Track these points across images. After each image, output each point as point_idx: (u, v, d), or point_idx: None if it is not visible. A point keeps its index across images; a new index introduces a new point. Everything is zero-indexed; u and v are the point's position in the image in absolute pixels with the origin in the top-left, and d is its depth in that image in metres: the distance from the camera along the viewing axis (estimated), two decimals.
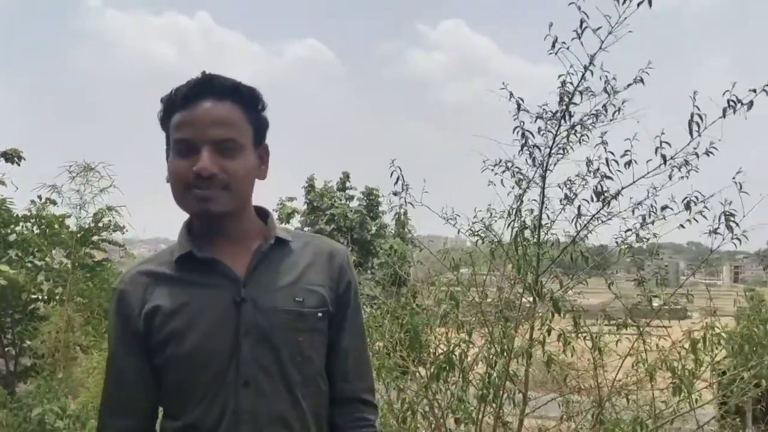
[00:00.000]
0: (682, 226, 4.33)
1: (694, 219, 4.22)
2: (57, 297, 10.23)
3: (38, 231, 10.55)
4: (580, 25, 4.12)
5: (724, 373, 17.82)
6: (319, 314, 1.74)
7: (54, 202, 10.52)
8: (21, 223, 10.57)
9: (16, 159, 10.49)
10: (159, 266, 1.75)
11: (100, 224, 10.25)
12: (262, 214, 1.84)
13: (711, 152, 4.07)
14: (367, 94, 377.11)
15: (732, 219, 4.11)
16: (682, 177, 4.17)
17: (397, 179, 4.90)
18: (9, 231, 10.47)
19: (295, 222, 24.47)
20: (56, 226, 10.33)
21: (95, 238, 10.48)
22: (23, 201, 10.44)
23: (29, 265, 10.39)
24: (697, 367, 4.62)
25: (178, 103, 1.66)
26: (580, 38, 4.08)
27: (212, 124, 1.64)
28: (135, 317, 1.70)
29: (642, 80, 4.21)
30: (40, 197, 10.48)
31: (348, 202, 23.59)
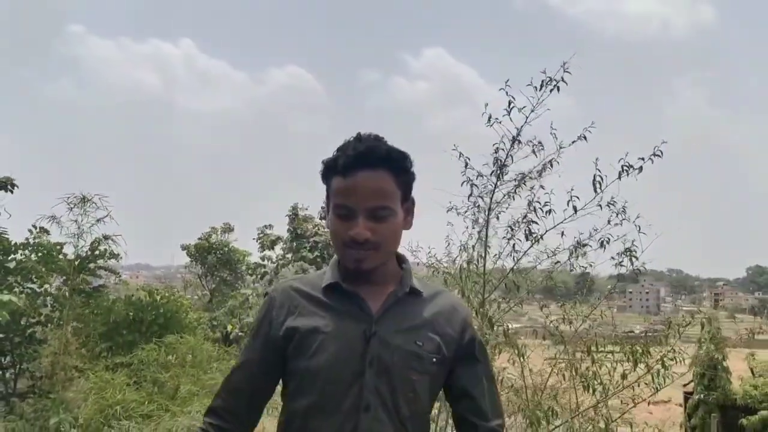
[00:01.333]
0: (614, 257, 5.09)
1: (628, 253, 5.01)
2: (55, 321, 10.81)
3: (36, 258, 11.12)
4: (508, 105, 5.07)
5: (690, 393, 18.62)
6: (434, 359, 1.94)
7: (47, 232, 11.18)
8: (20, 251, 11.10)
9: (9, 187, 11.10)
10: (308, 287, 2.01)
11: (97, 252, 10.88)
12: (400, 260, 2.08)
13: (611, 204, 4.90)
14: (350, 122, 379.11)
15: (632, 253, 4.95)
16: (617, 222, 4.98)
17: None
18: (8, 258, 11.00)
19: (278, 249, 25.24)
20: (54, 254, 10.93)
21: (92, 265, 11.09)
22: (14, 230, 10.98)
23: (28, 291, 10.95)
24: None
25: (339, 170, 1.89)
26: (509, 115, 4.99)
27: (368, 195, 1.87)
28: (278, 324, 1.97)
29: (585, 137, 4.99)
30: (35, 226, 11.12)
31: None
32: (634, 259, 5.10)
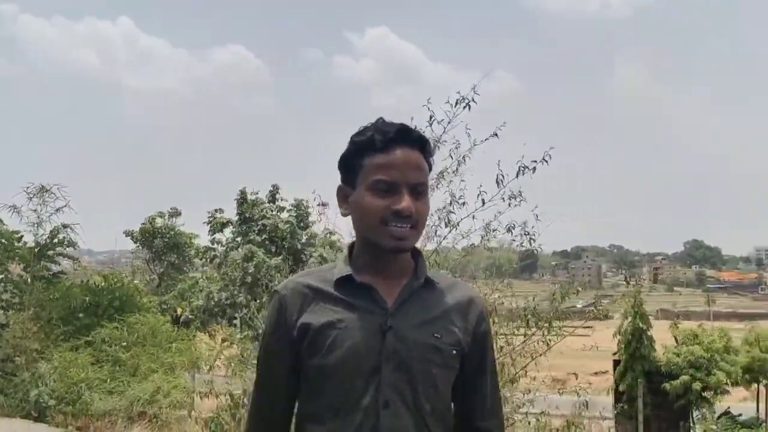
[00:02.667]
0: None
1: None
2: (16, 306, 11.33)
3: None
4: (429, 118, 5.96)
5: (616, 362, 20.14)
6: (454, 352, 1.86)
7: (1, 221, 11.68)
8: None
9: None
10: (319, 282, 1.90)
11: (56, 240, 11.42)
12: (414, 253, 1.97)
13: (513, 198, 5.86)
14: (295, 101, 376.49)
15: (530, 235, 5.98)
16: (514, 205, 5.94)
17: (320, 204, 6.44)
18: None
19: (228, 233, 25.73)
20: (13, 242, 11.44)
21: (50, 252, 11.62)
22: None
23: None
24: None
25: (377, 146, 1.84)
26: (430, 126, 5.92)
27: (412, 169, 1.84)
28: (291, 323, 1.85)
29: (497, 134, 5.89)
30: None
31: (279, 214, 24.87)
32: (532, 241, 6.02)
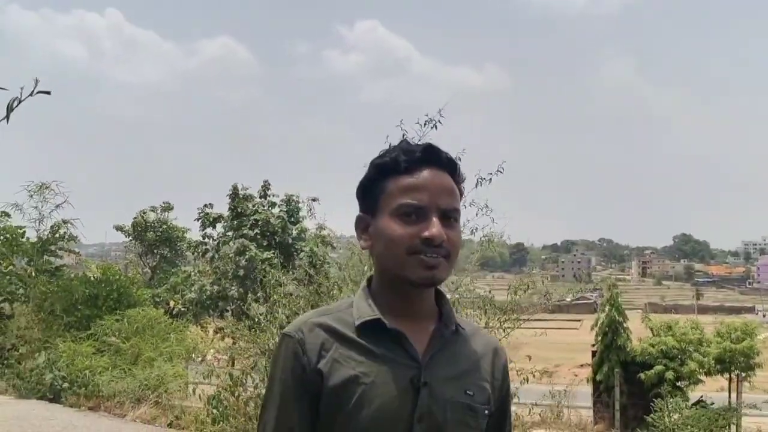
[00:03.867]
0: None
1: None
2: (21, 299, 11.99)
3: (0, 241, 12.24)
4: (402, 137, 6.42)
5: (594, 353, 20.97)
6: (486, 411, 1.66)
7: (8, 215, 12.30)
8: None
9: None
10: (338, 324, 1.63)
11: (57, 235, 12.06)
12: (437, 294, 1.74)
13: (473, 204, 6.55)
14: (283, 93, 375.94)
15: (491, 240, 6.73)
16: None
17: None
18: None
19: (219, 227, 26.34)
20: (18, 237, 12.08)
21: (53, 247, 12.27)
22: None
23: None
24: None
25: (400, 169, 1.63)
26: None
27: (442, 193, 1.62)
28: (311, 371, 1.58)
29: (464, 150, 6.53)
30: None
31: (270, 209, 25.49)
32: (491, 243, 6.72)
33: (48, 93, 1.83)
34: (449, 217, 1.63)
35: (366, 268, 6.84)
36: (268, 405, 1.66)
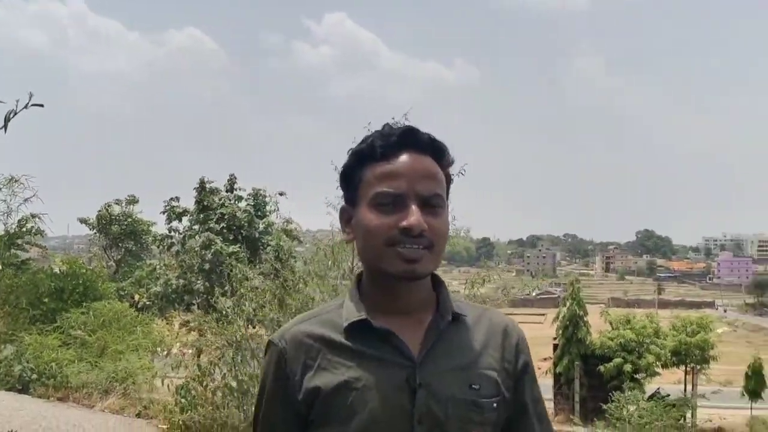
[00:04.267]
0: None
1: None
2: None
3: None
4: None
5: (555, 347, 21.60)
6: (494, 404, 1.52)
7: None
8: None
9: None
10: (325, 328, 1.54)
11: (24, 229, 12.11)
12: (435, 282, 1.62)
13: None
14: (252, 86, 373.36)
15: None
16: None
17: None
18: None
19: (186, 221, 26.33)
20: None
21: (20, 240, 12.31)
22: None
23: None
24: None
25: (376, 155, 1.52)
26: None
27: (422, 178, 1.49)
28: (295, 383, 1.50)
29: None
30: None
31: (236, 203, 25.55)
32: (452, 239, 6.96)
33: (41, 106, 2.01)
34: (431, 204, 1.49)
35: (330, 263, 7.06)
36: (257, 411, 1.61)
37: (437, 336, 1.52)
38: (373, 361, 1.48)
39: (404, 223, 1.45)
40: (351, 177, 1.56)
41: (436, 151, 1.54)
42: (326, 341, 1.51)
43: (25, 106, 2.00)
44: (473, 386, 1.50)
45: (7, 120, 2.01)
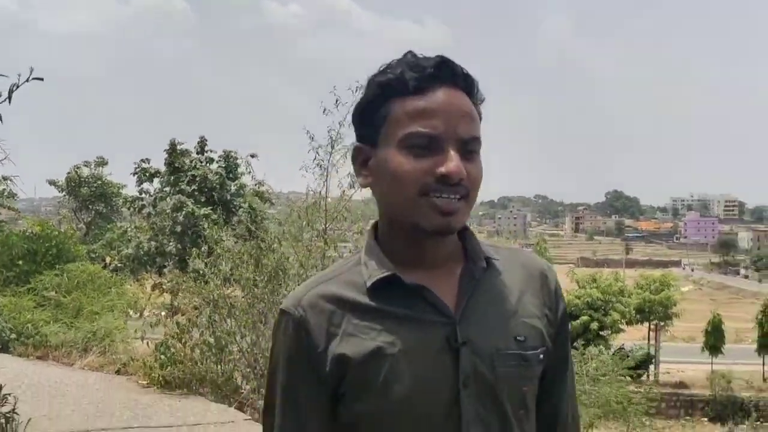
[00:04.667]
0: None
1: None
2: None
3: None
4: (336, 103, 7.17)
5: None
6: (541, 356, 1.35)
7: None
8: None
9: None
10: (345, 289, 1.32)
11: None
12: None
13: None
14: (221, 45, 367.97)
15: None
16: None
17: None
18: None
19: (156, 183, 26.25)
20: None
21: None
22: None
23: None
24: None
25: (407, 89, 1.29)
26: (337, 108, 7.07)
27: (461, 118, 1.28)
28: (319, 355, 1.28)
29: None
30: None
31: (208, 165, 25.52)
32: None
33: (41, 79, 2.13)
34: (469, 149, 1.28)
35: (304, 224, 7.23)
36: (273, 398, 1.35)
37: (473, 287, 1.32)
38: (405, 321, 1.27)
39: (442, 170, 1.25)
40: (372, 112, 1.33)
41: (469, 86, 1.33)
42: (350, 304, 1.30)
43: (27, 80, 2.13)
44: (518, 338, 1.31)
45: (10, 93, 2.12)
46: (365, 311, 1.28)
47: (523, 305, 1.34)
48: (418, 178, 1.25)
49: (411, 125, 1.26)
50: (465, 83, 1.31)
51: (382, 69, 1.33)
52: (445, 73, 1.29)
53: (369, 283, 1.29)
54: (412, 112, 1.27)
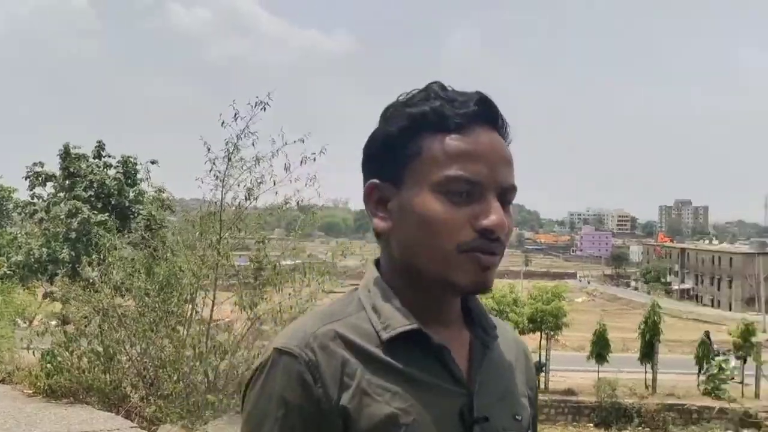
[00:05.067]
0: None
1: None
2: None
3: None
4: (234, 116, 7.14)
5: None
6: None
7: None
8: None
9: None
10: (360, 337, 1.12)
11: None
12: None
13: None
14: (124, 48, 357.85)
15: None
16: None
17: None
18: None
19: (49, 187, 25.39)
20: None
21: None
22: None
23: None
24: None
25: (447, 125, 1.12)
26: (235, 121, 7.09)
27: (502, 164, 1.13)
28: (330, 409, 1.07)
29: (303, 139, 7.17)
30: None
31: (105, 170, 24.90)
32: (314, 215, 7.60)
33: None
34: (507, 200, 1.13)
35: (198, 234, 7.29)
36: None
37: (483, 356, 1.19)
38: (422, 387, 1.10)
39: (486, 223, 1.08)
40: (397, 146, 1.14)
41: (504, 127, 1.17)
42: (363, 354, 1.10)
43: None
44: (516, 417, 1.20)
45: None
46: (380, 367, 1.09)
47: (517, 382, 1.25)
48: (458, 229, 1.08)
49: (451, 167, 1.09)
50: (503, 126, 1.17)
51: (411, 97, 1.16)
52: (486, 112, 1.13)
53: (387, 336, 1.10)
54: (454, 152, 1.10)
